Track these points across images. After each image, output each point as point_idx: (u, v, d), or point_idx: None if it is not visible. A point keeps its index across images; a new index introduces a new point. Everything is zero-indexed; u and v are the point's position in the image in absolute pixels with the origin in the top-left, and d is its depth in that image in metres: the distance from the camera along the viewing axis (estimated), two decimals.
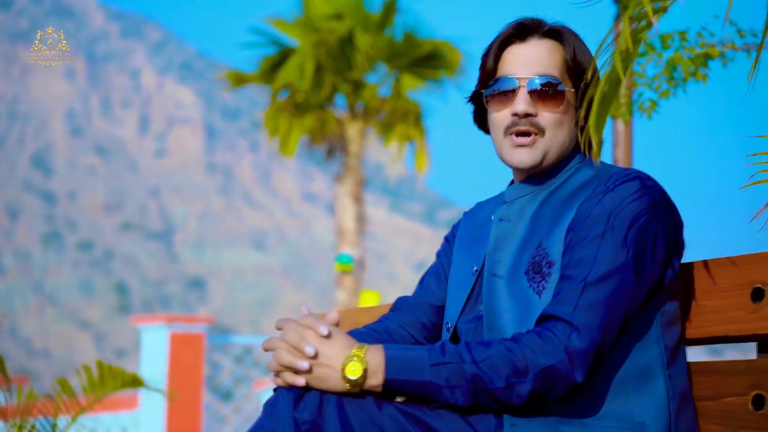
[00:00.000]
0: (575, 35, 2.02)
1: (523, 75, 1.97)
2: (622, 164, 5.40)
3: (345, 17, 13.85)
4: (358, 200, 14.01)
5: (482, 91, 2.04)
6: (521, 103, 1.96)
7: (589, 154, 2.00)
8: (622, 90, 3.73)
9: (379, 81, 14.26)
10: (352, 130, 14.13)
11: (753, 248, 1.84)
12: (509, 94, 1.98)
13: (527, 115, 1.96)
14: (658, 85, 3.62)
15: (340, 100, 14.36)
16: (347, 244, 13.69)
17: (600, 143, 1.57)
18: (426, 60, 13.88)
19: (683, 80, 3.61)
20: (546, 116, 1.96)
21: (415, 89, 14.07)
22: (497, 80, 2.00)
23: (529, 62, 1.97)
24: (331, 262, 14.01)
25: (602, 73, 1.54)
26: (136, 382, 2.80)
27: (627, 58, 1.41)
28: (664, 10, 1.41)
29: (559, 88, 1.96)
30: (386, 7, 14.06)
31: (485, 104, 2.04)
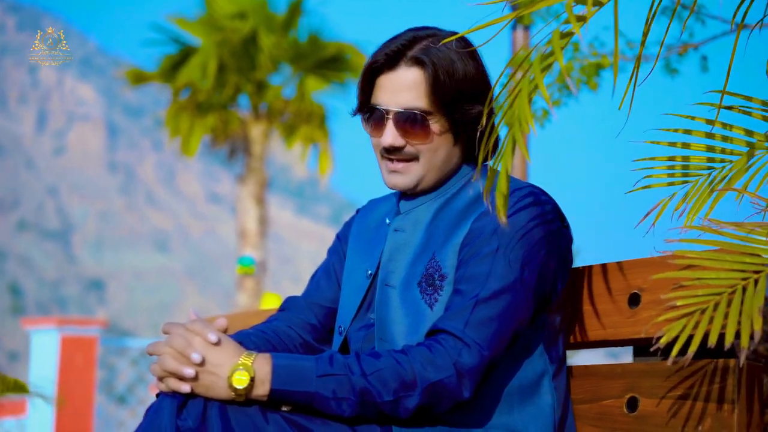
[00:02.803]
0: (441, 51, 1.94)
1: (390, 107, 1.94)
2: (517, 171, 5.51)
3: (249, 17, 13.73)
4: (261, 202, 13.91)
5: (359, 115, 2.03)
6: (389, 136, 1.94)
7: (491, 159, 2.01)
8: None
9: (283, 82, 14.20)
10: (256, 131, 14.03)
11: (642, 253, 1.90)
12: (380, 122, 1.97)
13: (396, 149, 1.95)
14: (550, 95, 3.69)
15: (244, 100, 14.24)
16: (249, 247, 13.58)
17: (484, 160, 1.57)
18: (330, 62, 13.87)
19: (576, 86, 3.69)
20: (416, 146, 1.95)
21: (319, 91, 14.04)
22: (368, 108, 1.99)
23: (396, 92, 1.94)
24: (234, 265, 13.86)
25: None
26: (19, 387, 2.71)
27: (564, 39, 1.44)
28: (585, 20, 1.44)
29: (426, 120, 1.93)
30: (291, 8, 14.00)
31: (364, 128, 2.03)
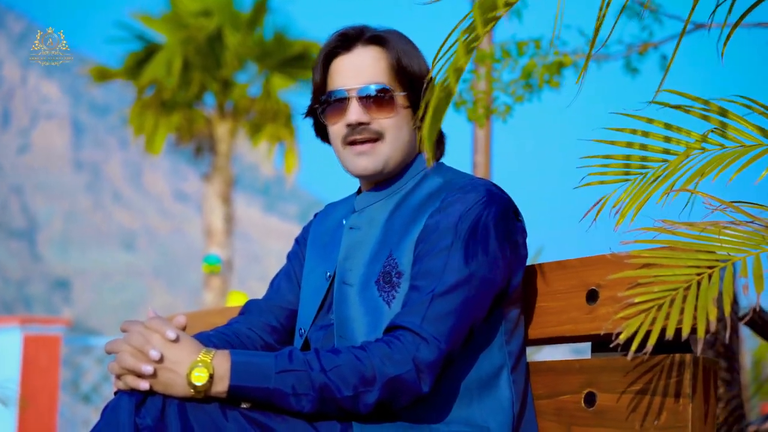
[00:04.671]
0: (403, 39, 2.03)
1: (352, 85, 1.98)
2: (481, 168, 5.54)
3: (214, 15, 13.69)
4: (227, 200, 13.87)
5: (316, 106, 2.05)
6: (353, 113, 1.97)
7: (434, 158, 2.03)
8: (479, 95, 3.81)
9: (248, 80, 14.17)
10: (221, 129, 13.98)
11: (603, 250, 1.92)
12: (341, 105, 1.99)
13: (361, 124, 1.97)
14: (513, 90, 3.71)
15: (209, 98, 14.20)
16: (216, 245, 13.54)
17: (432, 154, 1.59)
18: (296, 60, 13.86)
19: (538, 86, 3.71)
20: (381, 122, 1.98)
21: (285, 89, 14.04)
22: (328, 94, 2.01)
23: (356, 71, 1.98)
24: (201, 263, 13.82)
25: (437, 82, 1.57)
26: None
27: (459, 70, 1.45)
28: (496, 20, 1.46)
29: (389, 94, 1.98)
30: (256, 6, 13.97)
31: (321, 119, 2.05)
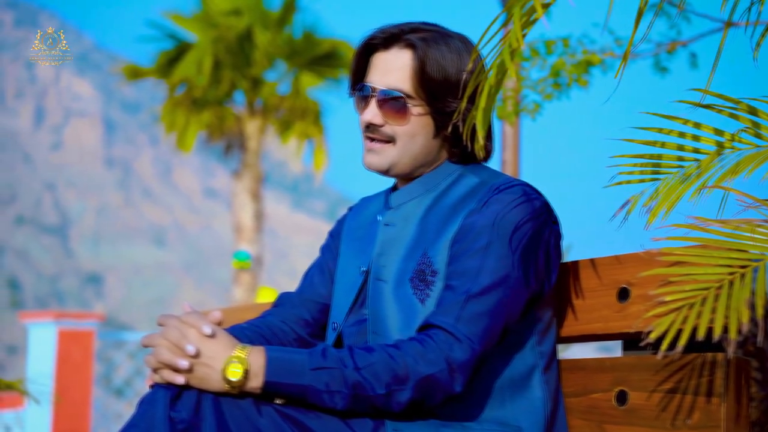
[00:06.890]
0: (442, 42, 1.99)
1: (377, 84, 1.99)
2: (510, 166, 5.53)
3: (244, 14, 13.77)
4: (257, 197, 13.94)
5: (350, 92, 2.08)
6: (368, 113, 1.99)
7: (472, 148, 2.03)
8: (509, 93, 3.82)
9: (278, 78, 14.23)
10: (251, 126, 14.06)
11: (633, 248, 1.92)
12: (364, 100, 2.01)
13: (374, 125, 1.99)
14: (542, 88, 3.71)
15: (239, 96, 14.28)
16: (245, 241, 13.62)
17: (484, 137, 1.60)
18: (325, 59, 13.91)
19: (566, 85, 3.72)
20: (394, 128, 1.99)
21: (314, 87, 14.09)
22: (358, 84, 2.03)
23: (385, 72, 1.99)
24: (230, 259, 13.91)
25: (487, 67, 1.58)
26: (11, 387, 2.72)
27: (513, 52, 1.47)
28: (533, 22, 1.46)
29: (402, 101, 1.97)
30: (285, 5, 14.04)
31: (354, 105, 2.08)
